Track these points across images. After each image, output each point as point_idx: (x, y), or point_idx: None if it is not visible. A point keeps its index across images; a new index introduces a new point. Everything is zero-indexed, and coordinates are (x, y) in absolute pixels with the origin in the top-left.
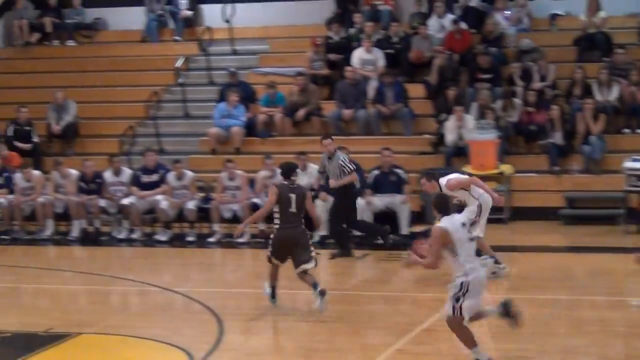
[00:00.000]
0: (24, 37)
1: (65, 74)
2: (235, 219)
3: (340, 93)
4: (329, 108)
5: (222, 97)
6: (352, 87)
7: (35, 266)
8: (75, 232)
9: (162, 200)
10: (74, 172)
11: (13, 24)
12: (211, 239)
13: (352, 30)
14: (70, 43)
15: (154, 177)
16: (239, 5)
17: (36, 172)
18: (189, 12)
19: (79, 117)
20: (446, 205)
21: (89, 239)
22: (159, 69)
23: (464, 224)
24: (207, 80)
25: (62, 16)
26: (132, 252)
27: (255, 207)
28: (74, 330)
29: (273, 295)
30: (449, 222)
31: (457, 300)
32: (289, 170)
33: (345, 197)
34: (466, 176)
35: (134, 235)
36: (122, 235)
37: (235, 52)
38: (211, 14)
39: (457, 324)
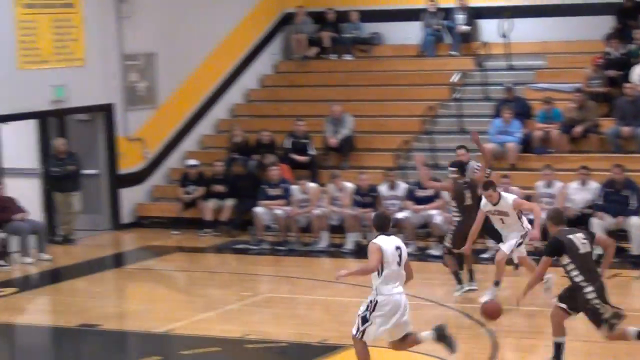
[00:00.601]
0: (302, 50)
1: (342, 87)
2: None
3: (619, 110)
4: (607, 125)
5: (497, 113)
6: (631, 104)
7: (310, 277)
8: (349, 245)
9: (437, 215)
10: (349, 185)
11: (292, 38)
12: (484, 255)
13: (631, 46)
14: (347, 57)
15: (429, 192)
16: (516, 20)
17: (312, 185)
18: (466, 27)
19: (355, 131)
20: (383, 223)
21: (363, 251)
22: (435, 84)
23: (398, 248)
24: (483, 95)
25: (339, 30)
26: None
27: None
28: (347, 343)
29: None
30: (383, 240)
31: (364, 321)
32: None
33: None
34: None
35: (408, 249)
36: None
37: (511, 68)
38: (488, 29)
39: (357, 343)
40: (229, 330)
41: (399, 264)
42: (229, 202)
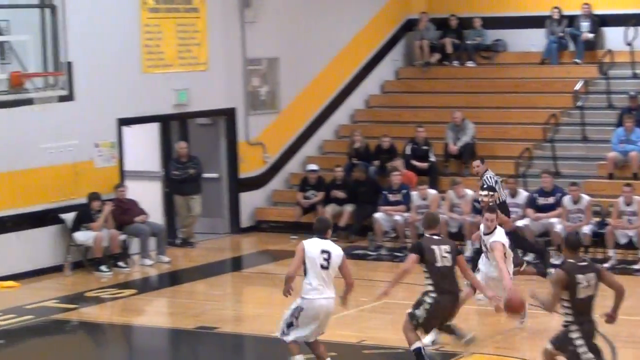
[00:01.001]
0: (424, 57)
1: (463, 94)
2: (631, 245)
3: None
4: None
5: (620, 121)
6: None
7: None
8: (468, 252)
9: (557, 224)
10: (469, 193)
11: (414, 44)
12: (606, 265)
13: None
14: (470, 64)
15: (550, 200)
16: None
17: (432, 191)
18: (591, 35)
19: (476, 138)
20: (321, 227)
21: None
22: (558, 92)
23: (323, 251)
24: (607, 103)
25: (462, 37)
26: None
27: None
28: (463, 350)
29: None
30: (311, 242)
31: (288, 325)
32: None
33: None
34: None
35: (527, 258)
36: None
37: (635, 76)
38: (613, 37)
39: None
40: (345, 336)
41: (324, 267)
42: (348, 208)
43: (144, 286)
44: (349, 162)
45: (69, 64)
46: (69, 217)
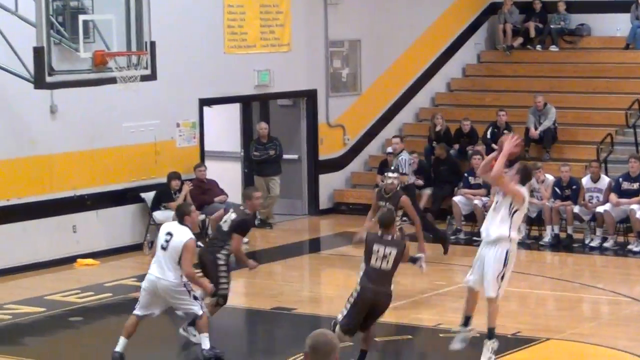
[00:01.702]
0: (507, 40)
1: (546, 78)
2: None
3: None
4: None
5: None
6: None
7: None
8: (547, 238)
9: (638, 210)
10: (550, 178)
11: (497, 28)
12: None
13: None
14: (553, 48)
15: (635, 186)
16: None
17: None
18: None
19: (557, 123)
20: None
21: (561, 244)
22: None
23: (168, 233)
24: None
25: (546, 21)
26: (604, 260)
27: None
28: (542, 335)
29: None
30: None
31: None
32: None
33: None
34: None
35: (607, 244)
36: (594, 243)
37: None
38: None
39: None
40: (421, 319)
41: (164, 248)
42: (427, 191)
43: None
44: (429, 146)
45: (152, 44)
46: (149, 196)
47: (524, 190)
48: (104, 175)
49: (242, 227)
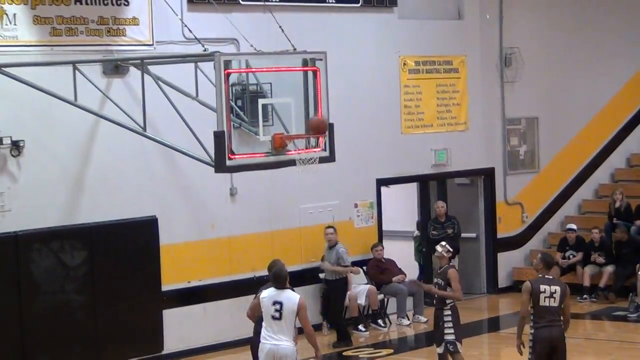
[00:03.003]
0: None
1: None
2: None
3: None
4: None
5: None
6: None
7: None
8: None
9: None
10: None
11: None
12: None
13: None
14: None
15: None
16: None
17: None
18: None
19: None
20: (275, 278)
21: None
22: None
23: (276, 302)
24: None
25: None
26: None
27: None
28: None
29: None
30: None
31: None
32: None
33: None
34: None
35: None
36: None
37: None
38: None
39: None
40: None
41: (275, 318)
42: (609, 268)
43: (401, 346)
44: (609, 222)
45: (330, 125)
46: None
47: None
48: (282, 256)
49: None
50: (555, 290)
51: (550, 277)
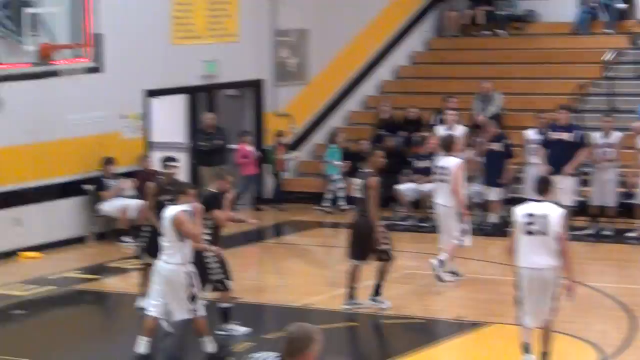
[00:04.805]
0: (454, 27)
1: (493, 65)
2: None
3: None
4: None
5: None
6: None
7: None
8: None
9: None
10: None
11: (445, 15)
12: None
13: None
14: (501, 34)
15: None
16: None
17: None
18: (623, 5)
19: (503, 109)
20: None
21: None
22: (587, 62)
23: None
24: (635, 74)
25: (494, 7)
26: None
27: None
28: (484, 320)
29: None
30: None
31: None
32: None
33: None
34: None
35: None
36: None
37: None
38: None
39: None
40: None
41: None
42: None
43: None
44: (376, 133)
45: (98, 36)
46: (92, 188)
47: None
48: (47, 168)
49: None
50: None
51: None
